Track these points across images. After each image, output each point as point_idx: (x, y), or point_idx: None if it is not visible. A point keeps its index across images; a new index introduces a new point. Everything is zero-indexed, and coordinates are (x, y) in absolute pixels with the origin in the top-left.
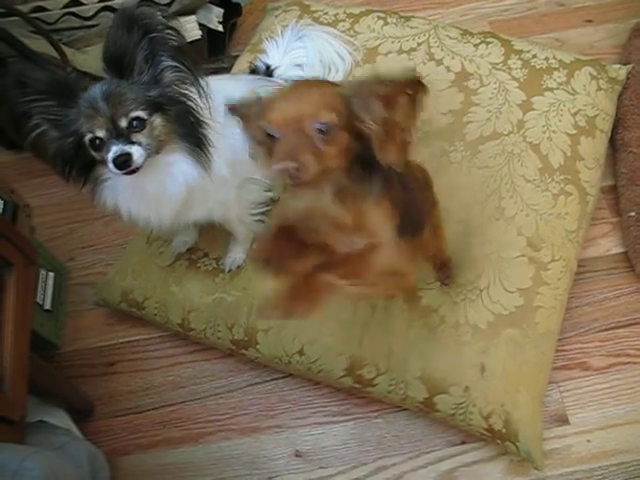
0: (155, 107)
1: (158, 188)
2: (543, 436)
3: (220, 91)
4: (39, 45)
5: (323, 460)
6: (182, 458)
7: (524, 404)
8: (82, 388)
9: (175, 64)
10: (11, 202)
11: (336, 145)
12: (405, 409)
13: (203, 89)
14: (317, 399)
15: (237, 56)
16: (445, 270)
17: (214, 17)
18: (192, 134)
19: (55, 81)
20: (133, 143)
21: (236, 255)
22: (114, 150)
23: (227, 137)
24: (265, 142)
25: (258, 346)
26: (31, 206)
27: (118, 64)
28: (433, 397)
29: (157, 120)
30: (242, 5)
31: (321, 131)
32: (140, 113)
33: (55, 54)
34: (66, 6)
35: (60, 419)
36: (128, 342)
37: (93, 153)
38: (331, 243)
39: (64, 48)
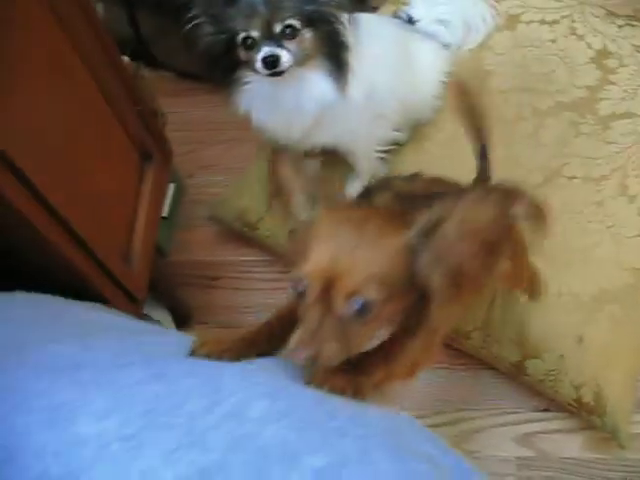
0: (308, 21)
1: (294, 100)
2: (632, 419)
3: (367, 24)
4: None
5: (404, 401)
6: None
7: (617, 381)
8: (184, 295)
9: None
10: (152, 108)
11: (373, 325)
12: (494, 368)
13: (354, 16)
14: None
15: (376, 8)
16: (533, 286)
17: None
18: (336, 56)
19: None
20: (283, 48)
21: (356, 183)
22: (265, 50)
23: (368, 67)
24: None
25: None
26: (166, 116)
27: None
28: (525, 360)
29: (308, 34)
30: None
31: (358, 312)
32: (294, 22)
33: None
34: None
35: (163, 317)
36: (234, 260)
37: (242, 52)
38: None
39: None
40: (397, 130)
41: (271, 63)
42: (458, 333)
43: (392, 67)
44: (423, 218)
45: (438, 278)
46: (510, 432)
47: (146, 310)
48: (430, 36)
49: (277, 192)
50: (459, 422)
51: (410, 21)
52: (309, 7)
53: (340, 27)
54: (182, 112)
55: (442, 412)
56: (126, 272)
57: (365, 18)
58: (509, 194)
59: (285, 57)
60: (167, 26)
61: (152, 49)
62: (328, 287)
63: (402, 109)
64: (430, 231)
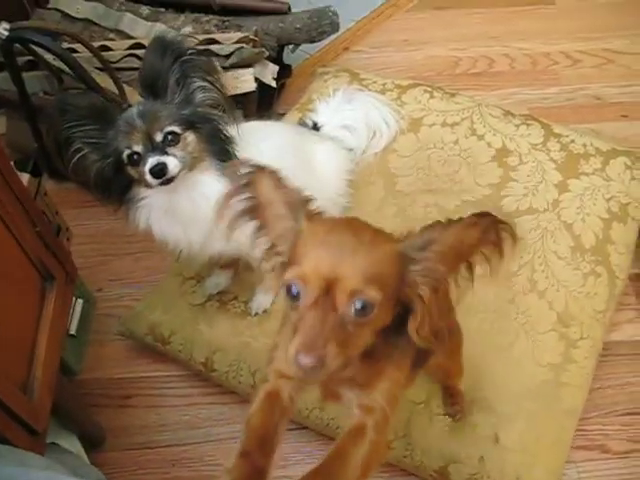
0: (188, 124)
1: (190, 206)
2: None
3: (260, 131)
4: (101, 80)
5: None
6: None
7: (540, 478)
8: (95, 417)
9: (204, 84)
10: (55, 223)
11: (370, 327)
12: (418, 475)
13: (230, 108)
14: None
15: (283, 114)
16: (455, 401)
17: (269, 73)
18: (223, 152)
19: (94, 107)
20: (168, 155)
21: (262, 298)
22: (150, 161)
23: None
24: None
25: None
26: (71, 231)
27: (153, 86)
28: (448, 466)
29: (190, 136)
30: (292, 67)
31: (359, 311)
32: (174, 128)
33: (115, 90)
34: (130, 48)
35: (71, 444)
36: (147, 377)
37: (131, 170)
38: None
39: (124, 86)
40: None
41: (159, 172)
42: None
43: (290, 169)
44: (420, 233)
45: (426, 288)
46: None
47: (53, 438)
48: (335, 141)
49: (255, 208)
50: None
51: (315, 127)
52: (185, 112)
53: (221, 123)
54: (88, 224)
55: None
56: (25, 404)
57: (257, 125)
58: (495, 222)
59: (172, 163)
60: None
61: (53, 160)
62: (328, 288)
63: None
64: (425, 245)
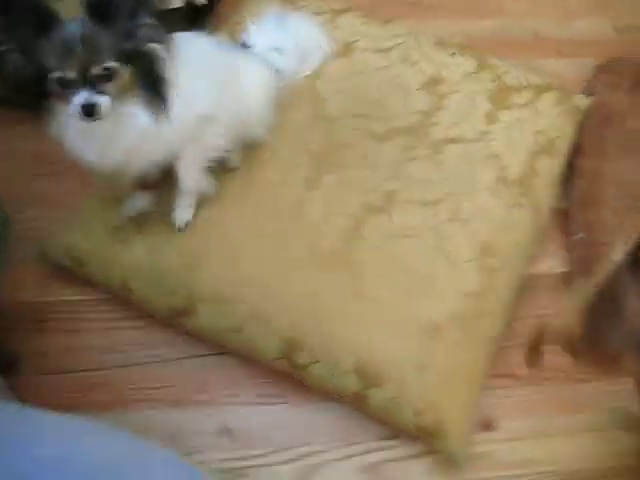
0: (126, 59)
1: (109, 135)
2: (470, 439)
3: (186, 43)
4: None
5: (249, 440)
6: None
7: (455, 405)
8: (11, 341)
9: (153, 22)
10: None
11: None
12: (338, 399)
13: (173, 50)
14: (252, 379)
15: (214, 32)
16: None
17: None
18: (154, 85)
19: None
20: (101, 93)
21: (183, 210)
22: (83, 97)
23: (189, 87)
24: None
25: (197, 317)
26: None
27: (101, 9)
28: (366, 390)
29: (126, 73)
30: None
31: None
32: (113, 64)
33: None
34: None
35: None
36: (65, 301)
37: (56, 88)
38: None
39: None
40: (228, 150)
41: (88, 111)
42: (297, 367)
43: (215, 85)
44: None
45: None
46: (356, 463)
47: None
48: (265, 61)
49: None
50: (305, 457)
51: (245, 46)
52: (127, 45)
53: (159, 59)
54: (9, 145)
55: (288, 448)
56: None
57: (184, 37)
58: None
59: (104, 104)
60: None
61: None
62: None
63: (232, 126)
64: None
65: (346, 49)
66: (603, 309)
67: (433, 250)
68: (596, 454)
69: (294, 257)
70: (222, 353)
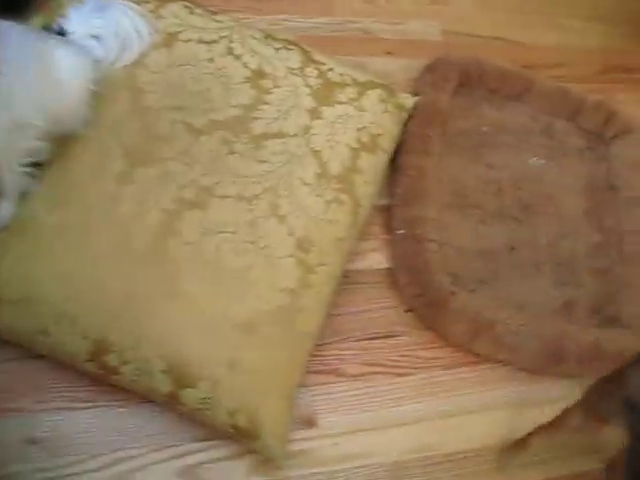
0: None
1: None
2: (290, 437)
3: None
4: None
5: (59, 449)
6: None
7: (272, 403)
8: None
9: None
10: None
11: None
12: (152, 400)
13: None
14: (62, 383)
15: (32, 17)
16: None
17: None
18: None
19: None
20: None
21: (2, 211)
22: None
23: None
24: None
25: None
26: None
27: None
28: (179, 390)
29: None
30: None
31: None
32: None
33: None
34: None
35: None
36: None
37: None
38: None
39: None
40: (42, 141)
41: None
42: (108, 369)
43: (28, 75)
44: None
45: None
46: (174, 466)
47: None
48: (81, 49)
49: None
50: (119, 462)
51: (62, 33)
52: None
53: None
54: None
55: (101, 454)
56: None
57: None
58: None
59: None
60: None
61: None
62: None
63: (45, 117)
64: None
65: (169, 39)
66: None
67: (249, 246)
68: (420, 445)
69: (102, 254)
70: (30, 357)
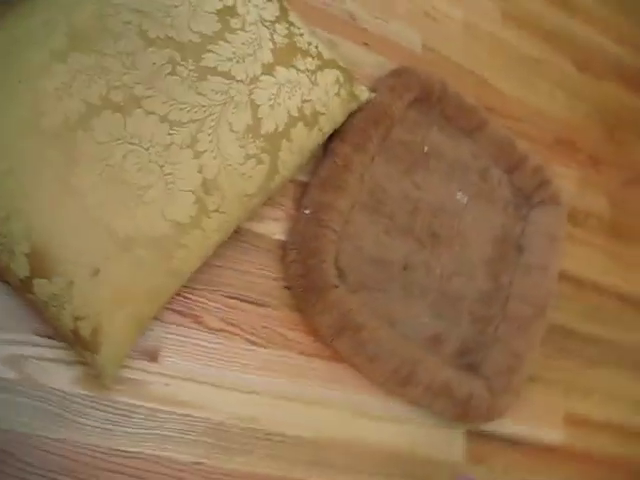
0: None
1: None
2: (127, 363)
3: None
4: None
5: None
6: None
7: (120, 323)
8: None
9: None
10: None
11: None
12: (6, 281)
13: None
14: None
15: None
16: None
17: None
18: None
19: None
20: None
21: None
22: None
23: None
24: None
25: None
26: None
27: None
28: (33, 278)
29: None
30: None
31: None
32: None
33: None
34: None
35: None
36: None
37: None
38: None
39: None
40: None
41: None
42: None
43: None
44: None
45: None
46: (2, 350)
47: None
48: None
49: None
50: None
51: None
52: None
53: None
54: None
55: None
56: None
57: None
58: None
59: None
60: None
61: None
62: None
63: None
64: None
65: None
66: None
67: (155, 167)
68: (249, 416)
69: (7, 121)
70: None
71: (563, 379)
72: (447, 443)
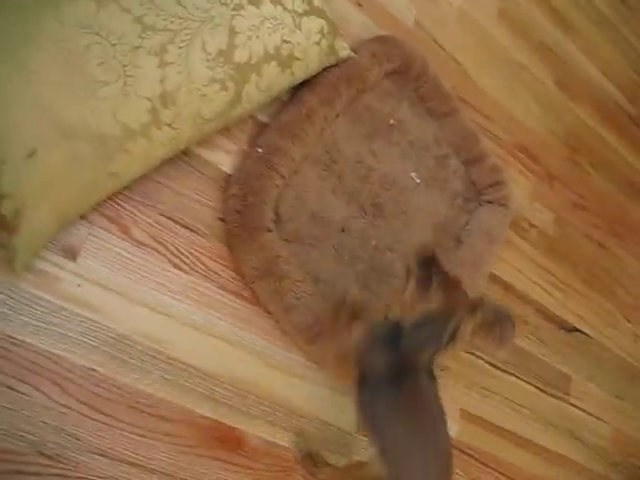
0: None
1: None
2: (42, 254)
3: None
4: None
5: None
6: None
7: (45, 210)
8: None
9: None
10: None
11: None
12: None
13: None
14: None
15: None
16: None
17: None
18: None
19: None
20: None
21: None
22: None
23: None
24: None
25: None
26: None
27: None
28: None
29: None
30: None
31: None
32: None
33: None
34: None
35: None
36: None
37: None
38: None
39: None
40: None
41: None
42: None
43: None
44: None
45: None
46: None
47: None
48: None
49: None
50: None
51: None
52: None
53: None
54: None
55: None
56: None
57: None
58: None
59: None
60: None
61: None
62: None
63: None
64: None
65: None
66: None
67: (117, 66)
68: (154, 336)
69: None
70: None
71: (467, 375)
72: (339, 410)
